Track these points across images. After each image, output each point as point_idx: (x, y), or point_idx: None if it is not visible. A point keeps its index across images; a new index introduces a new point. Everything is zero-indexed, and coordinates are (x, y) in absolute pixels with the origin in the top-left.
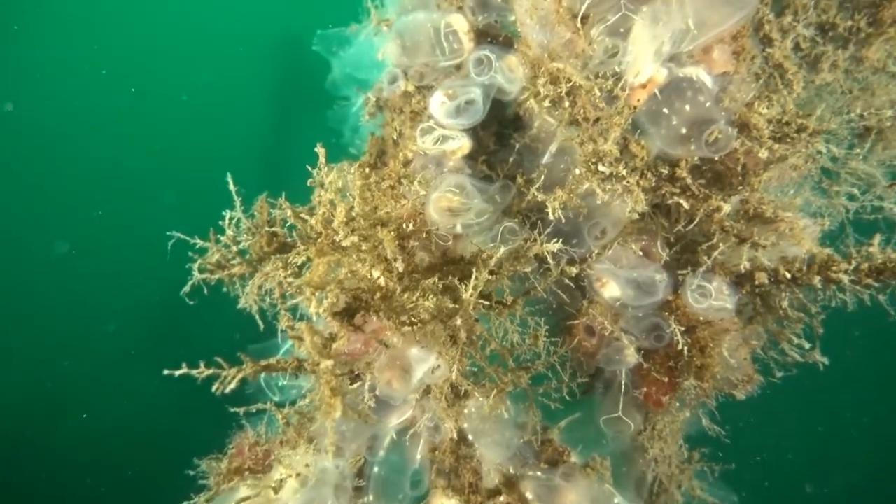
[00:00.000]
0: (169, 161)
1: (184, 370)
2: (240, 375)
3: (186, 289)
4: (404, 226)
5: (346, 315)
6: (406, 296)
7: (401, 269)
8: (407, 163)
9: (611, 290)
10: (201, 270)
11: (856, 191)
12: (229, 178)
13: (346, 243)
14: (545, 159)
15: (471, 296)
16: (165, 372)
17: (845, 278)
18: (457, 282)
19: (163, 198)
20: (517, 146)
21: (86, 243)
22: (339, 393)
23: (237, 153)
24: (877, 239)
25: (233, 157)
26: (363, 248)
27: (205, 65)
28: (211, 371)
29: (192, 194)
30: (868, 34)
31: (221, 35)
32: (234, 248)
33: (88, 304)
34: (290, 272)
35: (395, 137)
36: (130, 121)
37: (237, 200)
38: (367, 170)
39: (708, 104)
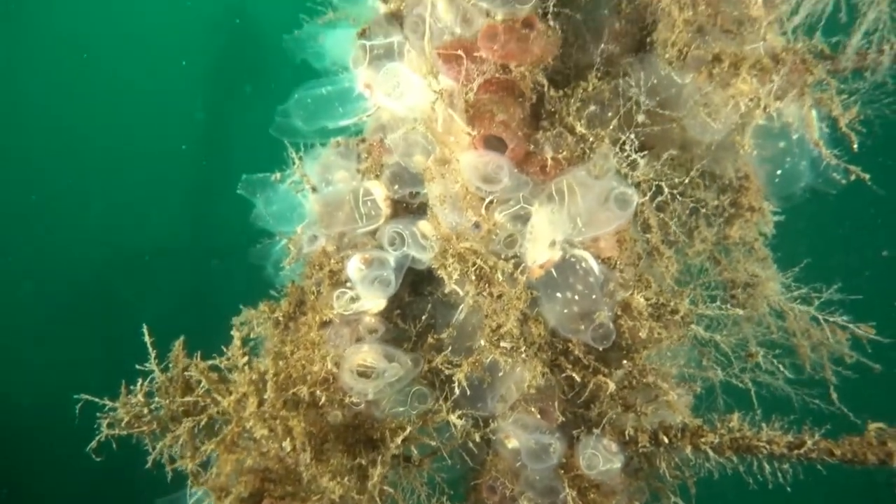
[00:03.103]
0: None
1: None
2: None
3: (93, 444)
4: (317, 393)
5: (252, 502)
6: (313, 484)
7: (308, 460)
8: (324, 325)
9: (513, 442)
10: (111, 426)
11: (717, 368)
12: (145, 329)
13: (256, 435)
14: (454, 318)
15: (376, 483)
16: None
17: (710, 451)
18: (364, 461)
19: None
20: (431, 300)
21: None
22: None
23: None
24: (736, 416)
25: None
26: (275, 429)
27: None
28: None
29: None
30: (731, 214)
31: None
32: (146, 410)
33: None
34: (196, 460)
35: (313, 293)
36: None
37: (152, 353)
38: (279, 347)
39: (594, 295)
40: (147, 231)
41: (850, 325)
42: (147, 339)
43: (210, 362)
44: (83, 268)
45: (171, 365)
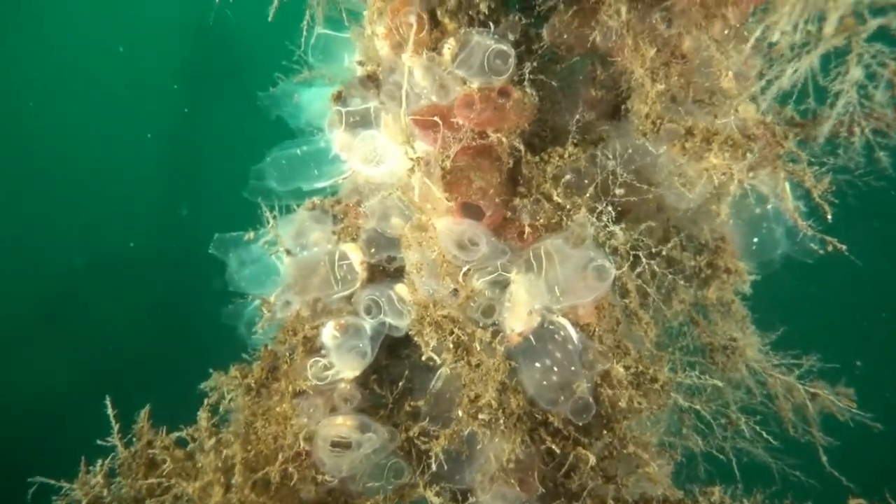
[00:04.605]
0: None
1: None
2: None
3: None
4: (290, 469)
5: None
6: None
7: None
8: (297, 394)
9: None
10: None
11: (698, 438)
12: (108, 402)
13: None
14: (432, 385)
15: None
16: None
17: None
18: None
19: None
20: (409, 363)
21: None
22: None
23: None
24: (717, 489)
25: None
26: None
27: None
28: None
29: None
30: (707, 276)
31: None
32: (106, 492)
33: None
34: None
35: (286, 362)
36: None
37: (115, 426)
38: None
39: (573, 366)
40: (121, 239)
41: (829, 395)
42: (110, 412)
43: (176, 434)
44: (53, 277)
45: (134, 438)
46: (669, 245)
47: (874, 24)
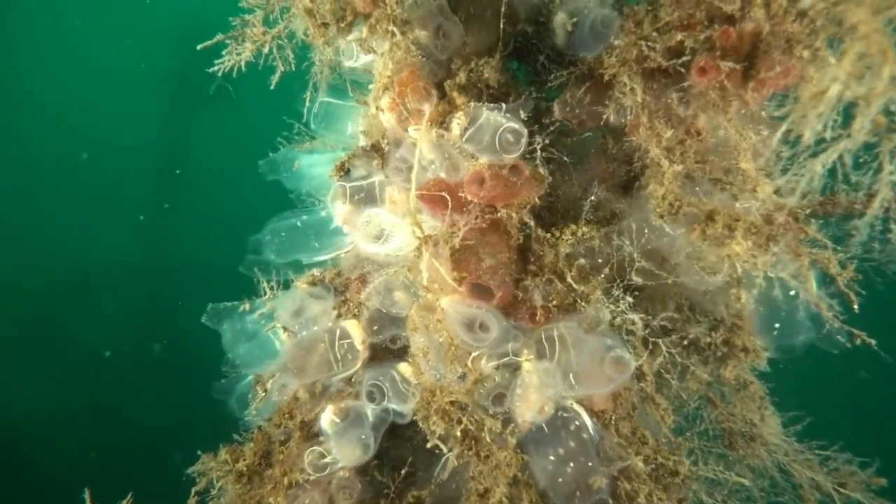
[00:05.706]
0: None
1: None
2: None
3: None
4: None
5: None
6: None
7: None
8: (291, 486)
9: None
10: None
11: None
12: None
13: None
14: (436, 474)
15: None
16: None
17: None
18: None
19: None
20: (412, 445)
21: None
22: None
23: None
24: None
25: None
26: None
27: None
28: None
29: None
30: (724, 353)
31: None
32: None
33: None
34: None
35: (282, 452)
36: None
37: None
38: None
39: (590, 462)
40: (94, 255)
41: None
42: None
43: None
44: (25, 293)
45: None
46: (692, 334)
47: None
